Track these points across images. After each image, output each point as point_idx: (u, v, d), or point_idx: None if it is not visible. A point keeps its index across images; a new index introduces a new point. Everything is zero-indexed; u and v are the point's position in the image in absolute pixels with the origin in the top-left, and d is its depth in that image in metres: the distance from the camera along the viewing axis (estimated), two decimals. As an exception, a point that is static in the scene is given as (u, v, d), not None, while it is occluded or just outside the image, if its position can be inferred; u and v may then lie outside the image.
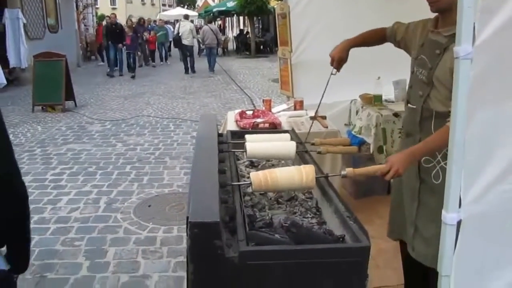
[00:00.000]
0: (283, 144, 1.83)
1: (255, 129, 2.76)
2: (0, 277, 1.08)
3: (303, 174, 1.43)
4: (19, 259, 1.12)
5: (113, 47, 10.45)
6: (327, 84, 1.99)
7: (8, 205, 1.00)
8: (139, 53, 11.79)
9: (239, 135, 2.16)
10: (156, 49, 13.47)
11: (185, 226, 1.14)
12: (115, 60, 10.59)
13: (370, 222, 2.98)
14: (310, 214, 1.50)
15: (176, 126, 6.21)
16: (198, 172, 1.41)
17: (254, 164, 1.96)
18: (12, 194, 1.01)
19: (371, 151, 3.21)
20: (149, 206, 3.55)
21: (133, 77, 10.42)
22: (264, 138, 1.95)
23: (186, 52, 11.86)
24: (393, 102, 3.42)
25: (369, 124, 3.23)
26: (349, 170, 1.55)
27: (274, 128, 2.82)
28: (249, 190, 1.61)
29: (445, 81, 1.49)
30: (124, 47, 10.40)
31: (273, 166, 1.94)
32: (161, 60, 13.60)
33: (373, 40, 1.94)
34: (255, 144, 1.82)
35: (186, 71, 12.00)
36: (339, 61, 1.91)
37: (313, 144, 2.02)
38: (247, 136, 1.95)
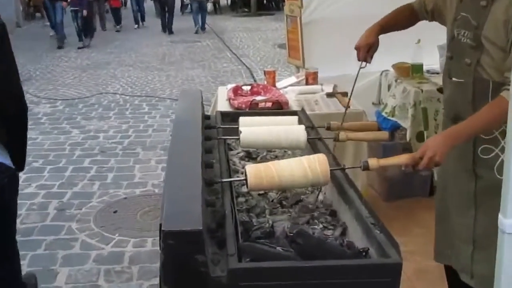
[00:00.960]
0: (290, 130, 1.84)
1: (254, 110, 2.77)
2: (10, 172, 1.81)
3: (314, 165, 1.44)
4: (21, 158, 1.88)
5: (50, 4, 9.67)
6: (356, 78, 2.02)
7: (19, 115, 1.81)
8: (85, 12, 9.95)
9: (232, 117, 2.18)
10: (123, 6, 13.40)
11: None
12: (62, 23, 9.77)
13: (406, 232, 3.00)
14: (322, 220, 1.51)
15: (152, 107, 6.24)
16: (175, 166, 1.41)
17: (251, 156, 1.97)
18: (22, 106, 1.81)
19: (408, 138, 3.22)
20: (115, 212, 3.59)
21: (83, 47, 9.82)
22: (265, 122, 1.96)
23: (164, 6, 11.67)
24: (437, 73, 3.39)
25: (405, 103, 3.24)
26: (372, 161, 1.56)
27: (279, 108, 2.83)
28: (244, 189, 1.64)
29: (497, 39, 1.47)
30: (68, 3, 9.60)
31: (276, 158, 1.94)
32: (136, 23, 12.66)
33: (404, 19, 1.98)
34: (253, 129, 1.83)
35: (164, 29, 11.80)
36: (366, 49, 1.94)
37: (329, 128, 2.04)
38: (242, 119, 1.96)
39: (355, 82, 2.09)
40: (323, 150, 1.83)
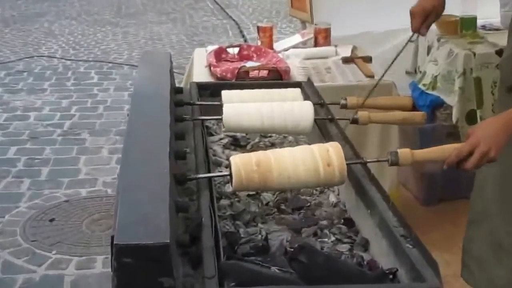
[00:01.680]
0: (292, 108, 1.86)
1: (243, 81, 2.78)
2: None
3: (326, 157, 1.46)
4: None
5: None
6: (399, 53, 2.09)
7: None
8: None
9: (213, 90, 2.19)
10: None
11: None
12: None
13: (450, 247, 3.00)
14: (335, 231, 1.53)
15: (103, 76, 6.28)
16: (134, 157, 1.43)
17: (238, 143, 1.99)
18: None
19: (454, 119, 3.22)
20: (51, 220, 3.58)
21: None
22: (258, 97, 1.98)
23: None
24: (497, 30, 3.43)
25: (451, 70, 3.25)
26: (403, 153, 1.58)
27: (278, 78, 2.85)
28: (229, 188, 1.67)
29: None
30: None
31: (272, 147, 1.96)
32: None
33: None
34: (241, 107, 1.85)
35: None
36: (424, 16, 1.98)
37: (345, 106, 2.06)
38: (226, 93, 1.98)
39: (395, 58, 2.11)
40: (336, 136, 1.83)
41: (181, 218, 1.37)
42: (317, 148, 1.49)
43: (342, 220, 1.60)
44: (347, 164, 1.50)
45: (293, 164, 1.46)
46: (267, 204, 1.67)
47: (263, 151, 1.54)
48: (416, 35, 2.04)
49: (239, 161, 1.46)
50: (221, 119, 1.81)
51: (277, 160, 1.46)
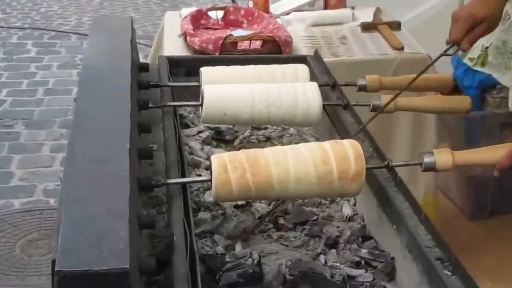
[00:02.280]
0: (293, 90, 1.88)
1: (229, 54, 2.82)
2: None
3: (342, 157, 1.46)
4: None
5: None
6: (432, 63, 2.11)
7: None
8: None
9: (190, 68, 2.22)
10: None
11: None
12: None
13: (505, 277, 3.01)
14: (349, 254, 1.55)
15: (43, 49, 6.31)
16: (82, 156, 1.42)
17: (222, 137, 2.01)
18: None
19: (511, 106, 3.25)
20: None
21: None
22: (249, 76, 2.00)
23: None
24: None
25: (506, 40, 3.29)
26: (442, 155, 1.59)
27: (276, 52, 2.87)
28: (209, 197, 1.69)
29: None
30: None
31: (268, 142, 1.98)
32: None
33: None
34: (226, 89, 1.87)
35: None
36: (469, 24, 1.95)
37: (364, 88, 2.08)
38: (207, 71, 2.00)
39: (432, 63, 2.13)
40: (352, 129, 1.83)
41: (146, 237, 1.38)
42: (330, 147, 1.50)
43: (360, 239, 1.60)
44: (367, 168, 1.50)
45: (297, 168, 1.46)
46: (260, 217, 1.67)
47: (256, 149, 1.54)
48: (454, 49, 2.01)
49: (223, 162, 1.46)
50: (200, 105, 1.80)
51: (276, 161, 1.46)
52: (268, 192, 1.47)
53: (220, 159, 1.47)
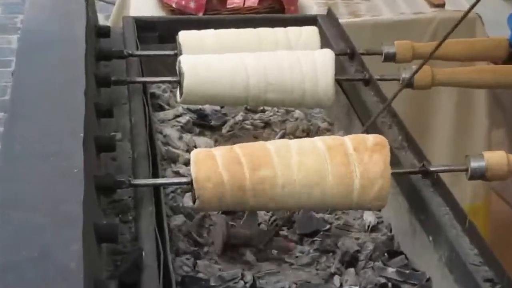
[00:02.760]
0: (299, 60, 1.88)
1: (216, 14, 2.84)
2: None
3: (362, 159, 1.47)
4: None
5: None
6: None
7: None
8: None
9: (164, 32, 2.24)
10: None
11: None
12: None
13: None
14: (371, 271, 1.56)
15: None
16: (21, 147, 1.42)
17: (207, 123, 2.02)
18: None
19: None
20: None
21: None
22: (243, 43, 2.03)
23: None
24: None
25: None
26: (494, 157, 1.58)
27: (278, 11, 2.90)
28: (190, 201, 1.68)
29: None
30: None
31: (266, 128, 1.99)
32: None
33: None
34: (210, 60, 1.88)
35: None
36: None
37: (393, 58, 2.08)
38: (185, 36, 2.03)
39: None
40: (374, 112, 1.82)
41: (106, 253, 1.38)
42: (350, 142, 1.51)
43: (386, 254, 1.60)
44: (396, 173, 1.52)
45: (290, 170, 1.47)
46: (258, 226, 1.68)
47: (254, 142, 1.55)
48: None
49: (205, 159, 1.48)
50: (177, 81, 1.81)
51: (282, 159, 1.48)
52: (269, 203, 1.49)
53: (205, 155, 1.48)
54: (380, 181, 1.47)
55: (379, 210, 1.74)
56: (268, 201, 1.48)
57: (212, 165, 1.46)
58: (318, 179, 1.47)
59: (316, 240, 1.64)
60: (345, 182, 1.47)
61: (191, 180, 1.46)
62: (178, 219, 1.66)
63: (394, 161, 1.56)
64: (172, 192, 1.73)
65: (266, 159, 1.47)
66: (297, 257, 1.61)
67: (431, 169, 1.62)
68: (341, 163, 1.47)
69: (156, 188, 1.55)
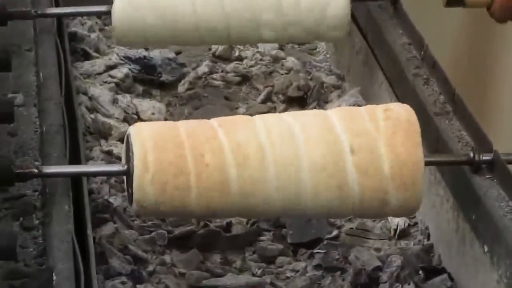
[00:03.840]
0: None
1: None
2: None
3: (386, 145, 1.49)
4: None
5: None
6: None
7: None
8: None
9: None
10: None
11: None
12: None
13: None
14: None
15: None
16: None
17: (156, 77, 2.01)
18: None
19: None
20: None
21: None
22: None
23: None
24: None
25: None
26: None
27: None
28: (122, 203, 1.71)
29: None
30: None
31: (244, 84, 1.99)
32: None
33: None
34: None
35: None
36: None
37: None
38: None
39: None
40: (404, 52, 1.82)
41: (0, 275, 1.37)
42: (369, 113, 1.53)
43: (421, 273, 1.58)
44: (426, 161, 1.50)
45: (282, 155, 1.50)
46: (235, 237, 1.67)
47: (235, 117, 1.56)
48: None
49: (153, 137, 1.49)
50: (106, 13, 1.80)
51: (272, 142, 1.51)
52: (249, 207, 1.52)
53: (149, 129, 1.49)
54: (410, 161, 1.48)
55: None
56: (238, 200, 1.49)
57: (164, 148, 1.47)
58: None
59: (317, 252, 1.64)
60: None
61: (128, 169, 1.46)
62: (110, 226, 1.66)
63: (430, 137, 1.55)
64: (103, 183, 1.72)
65: (241, 126, 1.51)
66: (288, 278, 1.61)
67: (487, 157, 1.62)
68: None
69: (76, 179, 1.53)
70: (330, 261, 1.64)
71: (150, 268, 1.63)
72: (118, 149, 1.76)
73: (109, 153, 1.77)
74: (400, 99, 1.76)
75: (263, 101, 2.04)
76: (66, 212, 1.48)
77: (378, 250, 1.66)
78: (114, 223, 1.69)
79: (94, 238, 1.54)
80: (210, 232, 1.73)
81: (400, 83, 1.71)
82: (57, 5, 1.96)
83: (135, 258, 1.63)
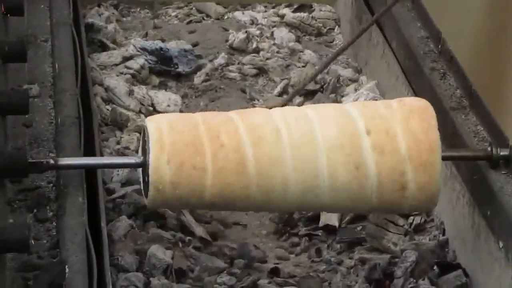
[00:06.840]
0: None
1: None
2: None
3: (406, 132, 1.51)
4: None
5: None
6: None
7: None
8: None
9: None
10: None
11: None
12: None
13: None
14: None
15: None
16: None
17: (172, 68, 2.08)
18: None
19: None
20: None
21: None
22: None
23: None
24: None
25: None
26: None
27: None
28: (137, 197, 1.72)
29: None
30: None
31: (260, 76, 2.08)
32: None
33: None
34: None
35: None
36: None
37: None
38: None
39: None
40: (418, 49, 1.83)
41: (14, 267, 1.36)
42: (385, 107, 1.56)
43: (436, 268, 1.57)
44: (444, 156, 1.52)
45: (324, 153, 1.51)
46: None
47: (251, 109, 1.58)
48: None
49: (170, 119, 1.50)
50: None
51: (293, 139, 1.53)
52: (261, 200, 1.56)
53: (165, 122, 1.49)
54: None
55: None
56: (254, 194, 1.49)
57: (180, 130, 1.48)
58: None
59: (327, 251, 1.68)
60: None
61: (144, 162, 1.46)
62: (124, 219, 1.65)
63: (446, 131, 1.55)
64: (119, 173, 1.73)
65: (255, 118, 1.52)
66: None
67: (504, 153, 1.64)
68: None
69: (91, 171, 1.53)
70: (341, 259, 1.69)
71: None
72: (134, 141, 1.78)
73: (125, 148, 1.84)
74: (416, 93, 1.78)
75: (280, 94, 2.04)
76: (80, 204, 1.48)
77: (394, 244, 1.64)
78: (119, 214, 1.69)
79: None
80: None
81: (416, 77, 1.71)
82: (74, 5, 1.96)
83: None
